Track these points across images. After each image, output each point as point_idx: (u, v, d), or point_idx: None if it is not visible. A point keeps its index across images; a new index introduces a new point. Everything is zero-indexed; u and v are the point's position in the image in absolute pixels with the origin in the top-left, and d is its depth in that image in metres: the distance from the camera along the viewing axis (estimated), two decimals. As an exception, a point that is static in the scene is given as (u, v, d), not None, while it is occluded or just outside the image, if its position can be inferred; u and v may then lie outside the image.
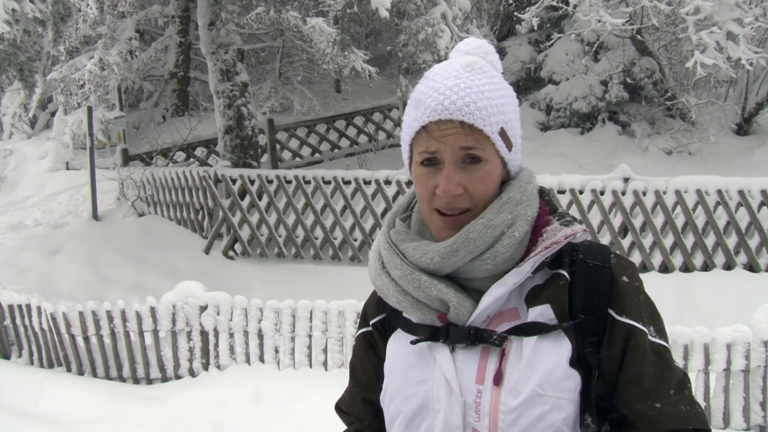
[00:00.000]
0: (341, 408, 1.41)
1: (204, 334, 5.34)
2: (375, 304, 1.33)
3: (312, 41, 11.56)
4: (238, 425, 4.47)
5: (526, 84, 13.74)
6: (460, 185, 1.15)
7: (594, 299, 1.14)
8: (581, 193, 7.51)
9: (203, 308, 5.31)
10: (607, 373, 1.14)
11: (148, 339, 5.50)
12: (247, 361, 5.23)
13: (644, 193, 7.32)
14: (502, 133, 1.18)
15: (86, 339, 5.57)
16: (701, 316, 5.52)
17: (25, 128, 19.21)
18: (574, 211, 7.54)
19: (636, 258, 7.36)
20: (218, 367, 5.31)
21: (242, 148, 10.28)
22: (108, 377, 5.60)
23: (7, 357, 5.97)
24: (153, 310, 5.40)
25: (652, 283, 5.71)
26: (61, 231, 10.94)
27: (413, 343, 1.19)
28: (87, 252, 9.46)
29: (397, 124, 13.53)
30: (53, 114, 17.60)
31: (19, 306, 5.83)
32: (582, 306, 1.14)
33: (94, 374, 5.63)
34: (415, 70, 10.43)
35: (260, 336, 5.18)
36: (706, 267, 7.18)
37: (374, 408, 1.31)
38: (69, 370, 5.69)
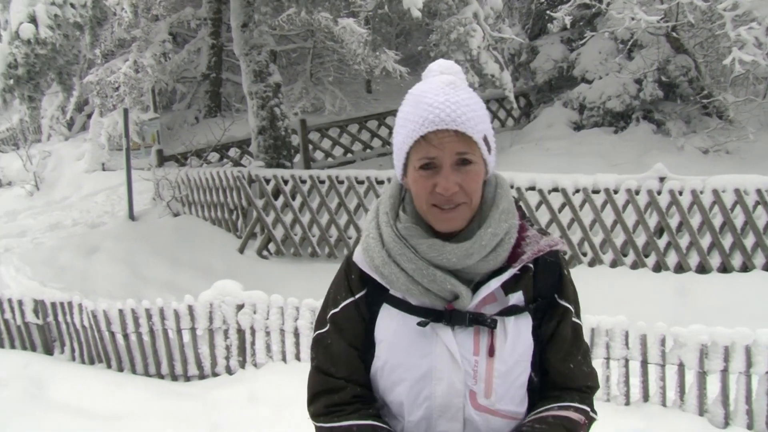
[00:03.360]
0: (326, 370, 1.51)
1: (241, 332, 5.40)
2: (358, 280, 1.50)
3: (343, 42, 11.61)
4: (276, 422, 4.51)
5: (559, 83, 13.61)
6: (457, 184, 1.37)
7: (548, 287, 1.47)
8: (616, 192, 7.44)
9: (240, 307, 5.37)
10: (543, 341, 1.48)
11: (186, 337, 5.57)
12: (284, 359, 5.28)
13: (680, 193, 7.22)
14: (485, 139, 1.41)
15: (126, 336, 5.66)
16: (742, 317, 5.41)
17: (62, 130, 19.57)
18: (609, 211, 7.48)
19: (672, 259, 7.27)
20: (255, 365, 5.37)
21: (276, 149, 10.36)
22: (147, 374, 5.69)
23: (50, 352, 6.10)
24: (191, 309, 5.47)
25: (690, 284, 5.57)
26: (98, 230, 11.14)
27: (421, 324, 1.40)
28: (124, 251, 9.62)
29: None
30: (89, 116, 17.90)
31: (61, 303, 5.95)
32: (540, 292, 1.46)
33: (134, 371, 5.72)
34: (447, 69, 10.43)
35: (296, 334, 5.22)
36: (745, 268, 7.05)
37: (366, 368, 1.50)
38: (109, 366, 5.79)
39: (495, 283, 1.41)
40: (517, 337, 1.42)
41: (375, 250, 1.43)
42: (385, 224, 1.44)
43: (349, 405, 1.47)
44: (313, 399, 1.53)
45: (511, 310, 1.43)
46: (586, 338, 4.50)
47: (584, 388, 1.51)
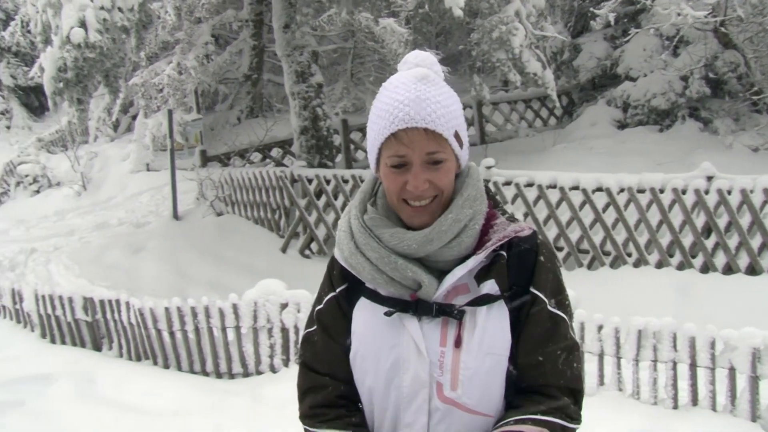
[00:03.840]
0: (312, 367, 1.52)
1: (284, 330, 5.45)
2: (339, 274, 1.52)
3: (383, 42, 11.61)
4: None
5: (602, 81, 13.43)
6: (427, 181, 1.38)
7: (523, 275, 1.41)
8: (662, 192, 7.30)
9: (284, 306, 5.41)
10: (518, 333, 1.40)
11: (231, 335, 5.65)
12: (327, 358, 5.30)
13: (729, 192, 7.05)
14: (456, 135, 1.41)
15: (171, 334, 5.76)
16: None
17: (108, 131, 20.00)
18: (654, 211, 7.35)
19: (721, 259, 7.10)
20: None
21: (318, 149, 10.43)
22: (192, 371, 5.78)
23: (98, 349, 6.23)
24: (235, 307, 5.54)
25: (739, 286, 5.44)
26: (143, 230, 11.35)
27: (387, 314, 1.41)
28: (168, 250, 9.78)
29: (470, 123, 13.44)
30: (134, 117, 18.26)
31: (110, 301, 6.08)
32: (515, 280, 1.40)
33: (179, 368, 5.81)
34: (488, 68, 10.36)
35: (339, 334, 5.24)
36: (797, 269, 6.86)
37: (347, 361, 1.49)
38: (155, 363, 5.90)
39: (459, 271, 1.39)
40: (488, 328, 1.37)
41: (344, 242, 1.46)
42: (354, 217, 1.47)
43: (332, 409, 1.47)
44: (301, 398, 1.54)
45: (484, 300, 1.38)
46: (632, 339, 4.43)
47: (555, 391, 1.39)
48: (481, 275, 1.41)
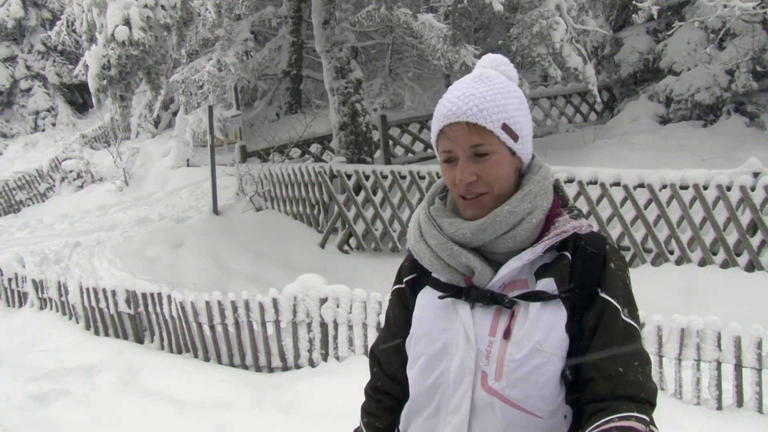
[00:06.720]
0: (374, 351, 1.68)
1: (323, 325, 5.48)
2: (409, 266, 1.61)
3: (422, 37, 11.58)
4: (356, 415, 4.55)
5: (644, 75, 13.19)
6: (474, 174, 1.41)
7: (587, 278, 1.40)
8: (706, 188, 7.16)
9: (323, 300, 5.44)
10: (584, 338, 1.38)
11: (270, 329, 5.70)
12: (366, 353, 5.33)
13: (777, 189, 6.89)
14: (505, 127, 1.41)
15: (212, 327, 5.83)
16: None
17: (150, 128, 20.34)
18: (697, 208, 7.21)
19: (767, 258, 6.94)
20: (337, 358, 5.44)
21: (357, 144, 10.44)
22: (232, 364, 5.85)
23: (140, 341, 6.35)
24: (275, 302, 5.59)
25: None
26: (184, 225, 11.50)
27: (441, 298, 1.47)
28: (208, 245, 9.90)
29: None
30: (175, 114, 18.53)
31: (152, 294, 6.18)
32: (578, 283, 1.39)
33: (219, 361, 5.89)
34: (528, 63, 10.26)
35: (379, 329, 5.25)
36: None
37: (400, 352, 1.58)
38: (196, 356, 5.98)
39: (514, 263, 1.41)
40: (539, 324, 1.37)
41: (412, 231, 1.54)
42: (422, 208, 1.55)
43: (370, 399, 1.67)
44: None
45: (538, 296, 1.39)
46: (675, 338, 4.36)
47: (640, 398, 1.33)
48: (540, 272, 1.42)
